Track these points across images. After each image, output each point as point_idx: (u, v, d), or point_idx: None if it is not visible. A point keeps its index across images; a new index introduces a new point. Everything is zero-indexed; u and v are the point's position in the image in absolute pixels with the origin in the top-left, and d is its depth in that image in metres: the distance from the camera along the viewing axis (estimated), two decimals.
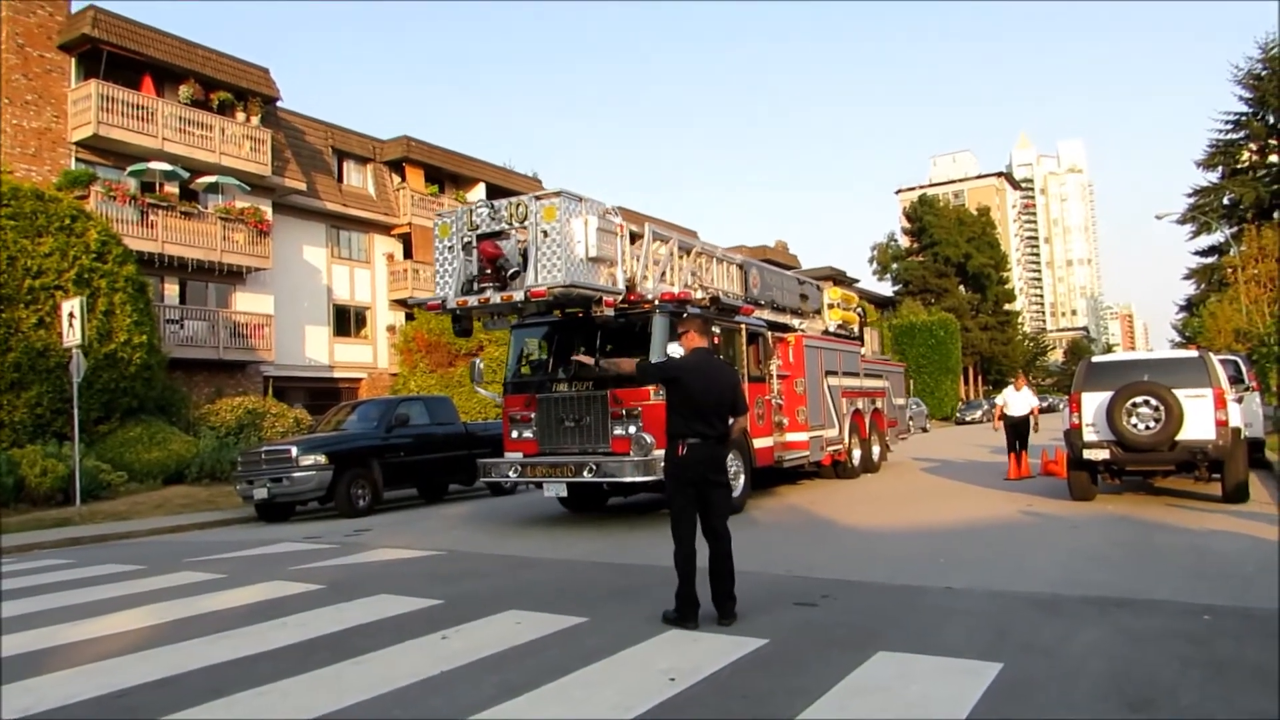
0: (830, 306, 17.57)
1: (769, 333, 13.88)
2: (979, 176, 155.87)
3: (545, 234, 10.20)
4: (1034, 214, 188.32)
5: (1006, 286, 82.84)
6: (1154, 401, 10.48)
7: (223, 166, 24.33)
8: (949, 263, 75.42)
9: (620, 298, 10.77)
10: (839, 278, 56.34)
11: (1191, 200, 46.88)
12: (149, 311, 19.58)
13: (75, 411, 15.09)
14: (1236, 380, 13.68)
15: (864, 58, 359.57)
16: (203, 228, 24.11)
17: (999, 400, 16.44)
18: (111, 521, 14.24)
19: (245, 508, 14.80)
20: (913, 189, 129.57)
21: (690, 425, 5.79)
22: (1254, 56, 44.10)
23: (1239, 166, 45.77)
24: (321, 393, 28.43)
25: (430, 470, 15.99)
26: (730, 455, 11.68)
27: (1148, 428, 10.50)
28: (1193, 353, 11.93)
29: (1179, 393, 10.44)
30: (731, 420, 6.00)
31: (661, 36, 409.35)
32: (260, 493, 13.73)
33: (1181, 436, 10.41)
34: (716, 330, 12.09)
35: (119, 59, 22.73)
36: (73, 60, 22.56)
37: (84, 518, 14.31)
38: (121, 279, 18.45)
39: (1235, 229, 42.10)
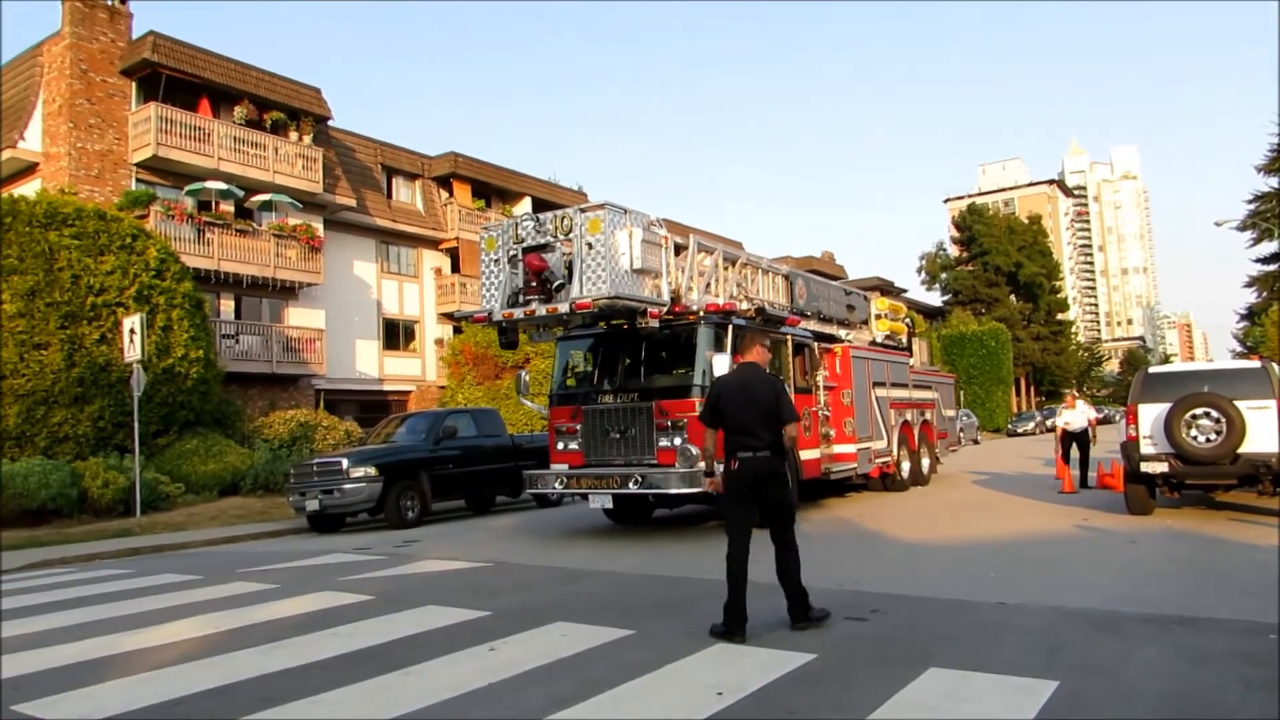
0: (878, 317, 17.40)
1: (815, 344, 13.77)
2: (1030, 184, 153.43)
3: (590, 246, 10.26)
4: (1087, 222, 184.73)
5: (1059, 295, 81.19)
6: (1215, 413, 10.19)
7: (276, 185, 24.88)
8: (999, 272, 74.15)
9: (665, 309, 10.79)
10: (887, 288, 55.85)
11: (1252, 206, 45.52)
12: (205, 327, 20.08)
13: (135, 425, 15.48)
14: None
15: (911, 67, 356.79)
16: (257, 245, 24.65)
17: (1060, 422, 16.28)
18: (169, 532, 14.58)
19: (297, 519, 15.05)
20: (961, 198, 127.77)
21: (739, 440, 5.92)
22: None
23: None
24: (371, 405, 28.84)
25: (478, 482, 16.12)
26: None
27: (1208, 440, 10.21)
28: (1255, 363, 11.57)
29: (1241, 404, 10.13)
30: (784, 430, 5.97)
31: (709, 52, 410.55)
32: (312, 504, 13.95)
33: (1244, 449, 10.10)
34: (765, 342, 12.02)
35: (177, 82, 23.38)
36: (133, 84, 23.26)
37: (143, 528, 14.67)
38: (179, 296, 18.95)
39: None
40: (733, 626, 5.58)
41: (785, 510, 6.02)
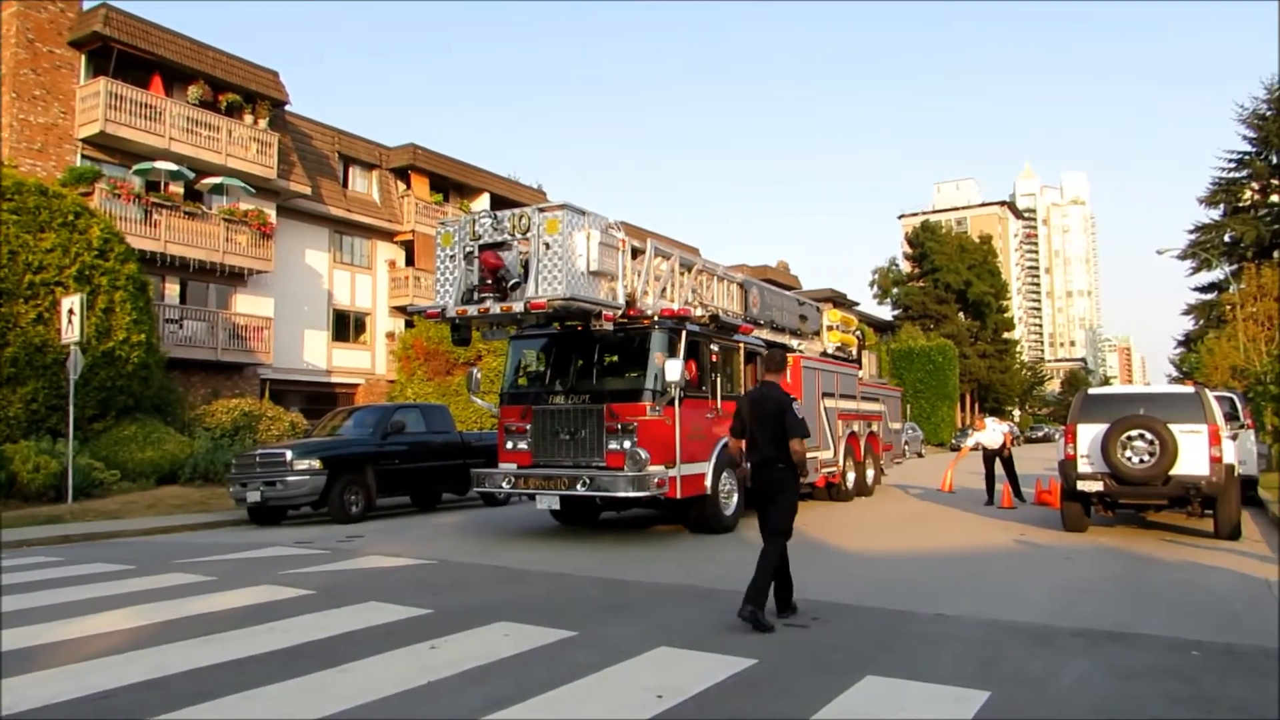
0: (829, 328, 17.59)
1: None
2: (982, 205, 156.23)
3: (547, 246, 10.23)
4: (1035, 244, 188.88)
5: (1006, 315, 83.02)
6: (1149, 435, 10.48)
7: (228, 168, 24.40)
8: (949, 289, 75.61)
9: (620, 312, 10.79)
10: (839, 300, 56.52)
11: (1193, 236, 47.06)
12: (149, 310, 19.57)
13: (70, 408, 15.05)
14: (1232, 417, 13.72)
15: (872, 85, 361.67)
16: (206, 228, 24.15)
17: (970, 443, 16.75)
18: (103, 520, 14.19)
19: (237, 510, 14.76)
20: (915, 214, 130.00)
21: (749, 450, 6.66)
22: (1259, 97, 44.46)
23: (1241, 205, 45.97)
24: (318, 397, 28.41)
25: (424, 478, 15.95)
26: (724, 474, 11.72)
27: (1142, 461, 10.50)
28: (1189, 388, 11.92)
29: (1174, 428, 10.44)
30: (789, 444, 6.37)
31: (673, 63, 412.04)
32: (253, 495, 13.68)
33: (1175, 471, 10.41)
34: (715, 349, 12.11)
35: (129, 58, 22.81)
36: (83, 57, 22.63)
37: (75, 515, 14.26)
38: (123, 277, 18.45)
39: (1235, 267, 42.23)
40: (782, 606, 6.44)
41: (780, 516, 6.42)
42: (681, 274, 12.26)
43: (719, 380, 12.08)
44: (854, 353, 18.47)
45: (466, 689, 4.67)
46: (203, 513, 15.40)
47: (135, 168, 22.68)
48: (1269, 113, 43.75)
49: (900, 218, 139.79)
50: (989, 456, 16.13)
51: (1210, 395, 11.45)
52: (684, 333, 11.32)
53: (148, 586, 8.04)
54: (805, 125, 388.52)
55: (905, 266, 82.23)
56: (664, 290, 11.75)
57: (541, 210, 10.53)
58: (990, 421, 16.64)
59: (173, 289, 24.25)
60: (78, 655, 5.44)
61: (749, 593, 6.04)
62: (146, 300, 19.50)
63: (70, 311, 14.95)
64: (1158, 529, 12.04)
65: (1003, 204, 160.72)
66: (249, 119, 25.70)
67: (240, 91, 25.45)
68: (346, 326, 30.23)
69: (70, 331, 14.91)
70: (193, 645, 5.65)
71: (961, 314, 77.00)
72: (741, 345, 12.93)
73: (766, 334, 14.30)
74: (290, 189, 26.71)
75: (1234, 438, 11.68)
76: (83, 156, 22.37)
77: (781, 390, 6.70)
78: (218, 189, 24.44)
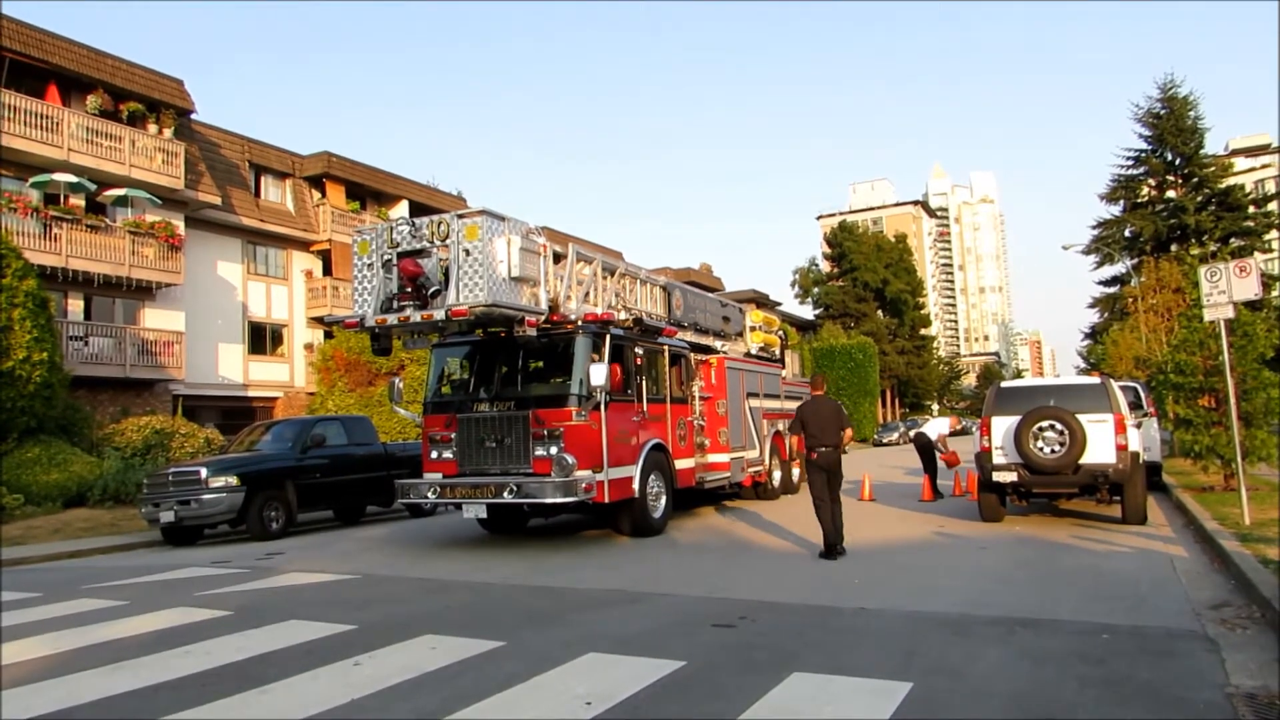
0: (752, 329, 17.78)
1: (691, 354, 14.01)
2: (897, 204, 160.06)
3: (467, 253, 10.12)
4: (949, 242, 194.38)
5: (922, 312, 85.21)
6: (1059, 426, 10.85)
7: (133, 179, 23.50)
8: (868, 288, 77.28)
9: (543, 318, 10.74)
10: (762, 301, 57.27)
11: (1096, 232, 48.84)
12: (50, 328, 18.71)
13: None
14: (1136, 406, 14.27)
15: (788, 87, 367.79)
16: (110, 242, 23.24)
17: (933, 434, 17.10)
18: (5, 547, 13.53)
19: (150, 531, 14.25)
20: (833, 215, 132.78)
21: (816, 441, 9.63)
22: (1154, 96, 46.53)
23: (1139, 201, 47.89)
24: (235, 412, 27.60)
25: (347, 491, 15.63)
26: (652, 476, 11.78)
27: (1053, 451, 10.86)
28: (1095, 379, 12.37)
29: (1082, 418, 10.82)
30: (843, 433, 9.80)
31: (590, 67, 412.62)
32: (167, 515, 13.22)
33: (1084, 460, 10.78)
34: (639, 352, 12.15)
35: (22, 66, 21.82)
36: None
37: None
38: (21, 294, 17.61)
39: (1135, 260, 44.02)
40: (829, 549, 9.26)
41: (839, 483, 9.64)
42: (604, 278, 12.27)
43: (644, 383, 12.13)
44: (777, 353, 18.70)
45: (392, 705, 4.59)
46: (114, 535, 14.81)
47: (32, 180, 21.68)
48: (1163, 111, 45.79)
49: (819, 218, 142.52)
50: (927, 447, 16.54)
51: (1115, 385, 11.89)
52: (608, 337, 11.33)
53: (55, 614, 7.70)
54: (726, 127, 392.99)
55: (825, 266, 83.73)
56: (587, 295, 11.74)
57: (461, 216, 10.42)
58: (934, 417, 17.29)
59: (76, 305, 23.27)
60: None
61: (835, 537, 9.35)
62: (48, 317, 18.64)
63: None
64: (1069, 516, 12.48)
65: (916, 203, 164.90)
66: (153, 128, 24.82)
67: (143, 100, 24.56)
68: (263, 339, 29.43)
69: None
70: (104, 673, 5.44)
71: (880, 312, 78.77)
72: (666, 348, 12.99)
73: (690, 336, 14.40)
74: (199, 199, 25.89)
75: (1138, 426, 12.16)
76: None
77: (830, 399, 10.05)
78: (122, 201, 23.51)
